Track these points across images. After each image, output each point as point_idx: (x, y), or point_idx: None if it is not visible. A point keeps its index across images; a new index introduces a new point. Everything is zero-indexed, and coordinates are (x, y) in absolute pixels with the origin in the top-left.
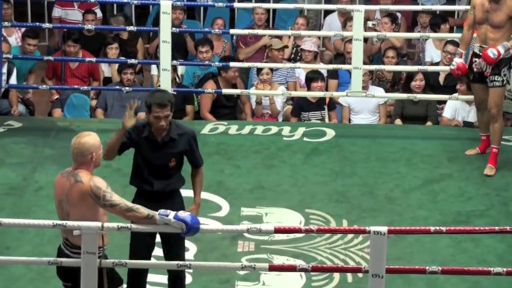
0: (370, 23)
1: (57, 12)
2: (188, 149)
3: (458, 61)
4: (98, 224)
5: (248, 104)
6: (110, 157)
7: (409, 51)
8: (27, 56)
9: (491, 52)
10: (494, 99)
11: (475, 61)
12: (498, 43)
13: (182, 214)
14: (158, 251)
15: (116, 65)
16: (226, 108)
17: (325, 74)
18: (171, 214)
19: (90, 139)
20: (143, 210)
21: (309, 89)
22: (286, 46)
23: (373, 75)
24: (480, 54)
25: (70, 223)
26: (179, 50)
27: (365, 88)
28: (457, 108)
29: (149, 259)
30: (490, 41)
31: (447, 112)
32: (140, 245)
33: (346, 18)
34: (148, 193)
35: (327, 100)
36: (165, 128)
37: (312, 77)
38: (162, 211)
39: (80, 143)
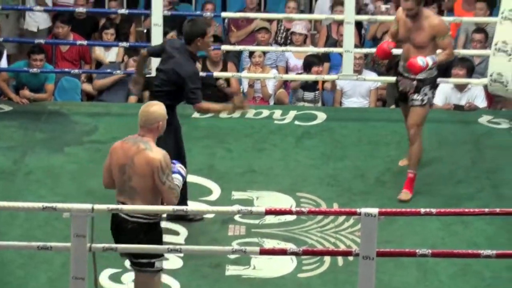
0: (383, 7)
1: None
2: None
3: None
4: (88, 206)
5: (236, 87)
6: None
7: None
8: (19, 39)
9: (421, 60)
10: (412, 118)
11: (400, 80)
12: None
13: (179, 168)
14: None
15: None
16: (211, 88)
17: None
18: (177, 176)
19: (158, 108)
20: (178, 194)
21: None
22: (265, 28)
23: (368, 58)
24: (403, 73)
25: (60, 205)
26: None
27: (359, 72)
28: (448, 95)
29: None
30: None
31: (438, 99)
32: None
33: (334, 2)
34: None
35: (320, 84)
36: None
37: (313, 61)
38: (175, 180)
39: (149, 111)
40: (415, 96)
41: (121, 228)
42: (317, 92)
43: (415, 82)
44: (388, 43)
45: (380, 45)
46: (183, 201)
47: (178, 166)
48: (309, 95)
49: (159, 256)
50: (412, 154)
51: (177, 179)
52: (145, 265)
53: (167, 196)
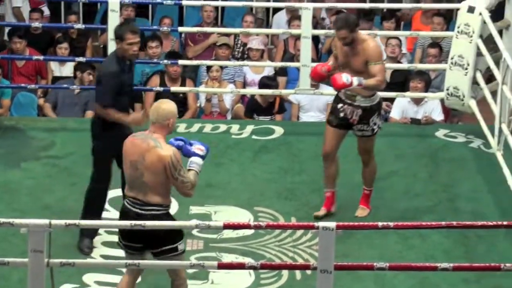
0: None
1: (1, 9)
2: None
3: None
4: (46, 221)
5: (193, 107)
6: None
7: None
8: None
9: (345, 77)
10: (364, 147)
11: (341, 107)
12: (361, 90)
13: (195, 150)
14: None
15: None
16: None
17: (273, 72)
18: (195, 159)
19: (170, 106)
20: (195, 182)
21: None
22: (227, 44)
23: None
24: (345, 100)
25: (17, 221)
26: None
27: (316, 86)
28: (404, 108)
29: None
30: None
31: (395, 112)
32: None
33: (291, 16)
34: None
35: (277, 102)
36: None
37: (269, 84)
38: (193, 164)
39: (160, 108)
40: (365, 127)
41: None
42: (272, 116)
43: (360, 111)
44: (322, 65)
45: (315, 68)
46: None
47: (196, 148)
48: (264, 119)
49: (181, 238)
50: (367, 174)
51: (196, 164)
52: (169, 251)
53: (181, 190)
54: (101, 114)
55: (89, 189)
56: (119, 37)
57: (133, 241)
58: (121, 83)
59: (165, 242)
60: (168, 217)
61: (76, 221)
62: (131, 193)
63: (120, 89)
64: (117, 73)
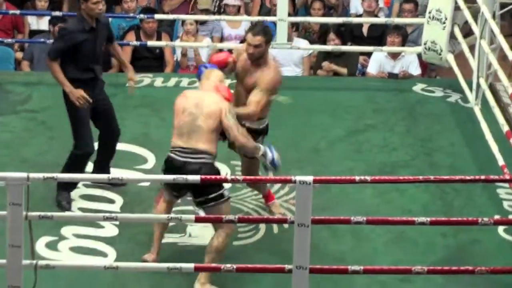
0: None
1: None
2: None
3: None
4: (24, 175)
5: (170, 62)
6: None
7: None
8: None
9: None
10: (247, 167)
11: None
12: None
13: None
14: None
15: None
16: (146, 60)
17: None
18: (268, 153)
19: None
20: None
21: None
22: (209, 10)
23: (299, 26)
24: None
25: None
26: None
27: (288, 40)
28: (381, 62)
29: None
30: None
31: (372, 67)
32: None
33: None
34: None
35: None
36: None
37: None
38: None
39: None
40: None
41: (185, 170)
42: None
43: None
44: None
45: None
46: (106, 168)
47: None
48: None
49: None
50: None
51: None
52: (216, 198)
53: (233, 133)
54: (49, 67)
55: (69, 156)
56: None
57: (176, 190)
58: (79, 43)
59: (211, 191)
60: (214, 167)
61: (54, 175)
62: (179, 142)
63: (77, 49)
64: (71, 31)
